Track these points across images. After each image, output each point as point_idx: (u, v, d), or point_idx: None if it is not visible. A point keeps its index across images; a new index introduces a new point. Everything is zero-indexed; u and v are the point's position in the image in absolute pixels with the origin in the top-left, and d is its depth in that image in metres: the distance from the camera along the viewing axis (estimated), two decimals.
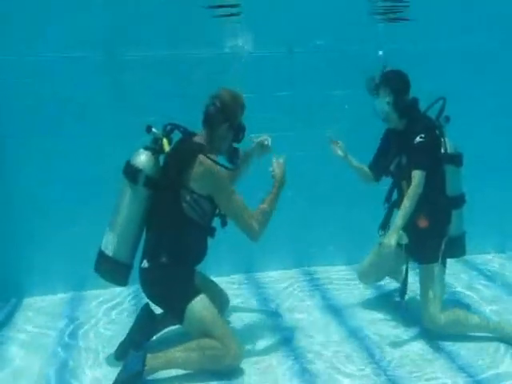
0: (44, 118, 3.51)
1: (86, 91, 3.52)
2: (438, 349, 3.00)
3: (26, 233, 3.61)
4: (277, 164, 2.86)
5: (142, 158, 2.70)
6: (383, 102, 3.07)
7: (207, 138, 2.75)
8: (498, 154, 4.17)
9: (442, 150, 3.04)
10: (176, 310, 2.69)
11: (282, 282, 3.94)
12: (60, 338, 3.15)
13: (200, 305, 2.66)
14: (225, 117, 2.71)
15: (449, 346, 3.02)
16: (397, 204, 3.18)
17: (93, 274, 3.60)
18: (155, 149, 2.72)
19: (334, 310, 3.50)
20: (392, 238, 2.87)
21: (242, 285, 3.88)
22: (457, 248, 3.22)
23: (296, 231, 4.03)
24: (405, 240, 2.93)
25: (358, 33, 3.73)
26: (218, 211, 2.77)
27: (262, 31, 3.60)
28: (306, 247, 4.13)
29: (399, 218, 2.92)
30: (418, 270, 3.18)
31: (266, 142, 3.03)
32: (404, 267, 3.15)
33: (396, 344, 3.06)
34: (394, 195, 3.29)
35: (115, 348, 2.88)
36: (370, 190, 3.62)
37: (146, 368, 2.53)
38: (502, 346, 3.00)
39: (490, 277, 4.00)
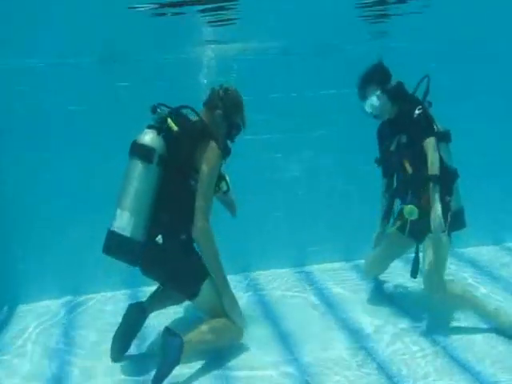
0: (37, 125, 3.51)
1: (80, 98, 3.54)
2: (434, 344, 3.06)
3: (19, 239, 3.63)
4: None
5: (152, 138, 2.70)
6: (373, 99, 3.13)
7: (204, 121, 2.81)
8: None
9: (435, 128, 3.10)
10: (190, 287, 2.80)
11: (278, 280, 3.99)
12: (56, 342, 3.17)
13: (211, 283, 2.80)
14: (221, 103, 2.83)
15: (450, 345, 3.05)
16: (398, 193, 3.24)
17: (87, 279, 3.74)
18: (161, 128, 2.73)
19: (330, 305, 3.55)
20: (436, 210, 2.90)
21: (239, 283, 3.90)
22: (456, 221, 3.23)
23: (292, 230, 4.07)
24: (415, 215, 3.03)
25: (352, 33, 3.80)
26: (222, 188, 2.89)
27: (257, 33, 3.64)
28: (302, 246, 4.18)
29: (433, 190, 2.92)
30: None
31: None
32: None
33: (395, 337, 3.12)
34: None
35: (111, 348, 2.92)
36: (364, 189, 3.71)
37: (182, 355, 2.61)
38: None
39: (482, 268, 4.06)
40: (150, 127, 2.75)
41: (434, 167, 2.93)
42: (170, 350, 2.59)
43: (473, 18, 3.71)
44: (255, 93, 3.57)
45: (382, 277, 3.83)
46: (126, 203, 2.65)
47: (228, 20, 3.42)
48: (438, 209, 2.91)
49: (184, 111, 2.84)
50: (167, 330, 2.69)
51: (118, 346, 2.90)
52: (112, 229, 2.66)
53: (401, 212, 3.20)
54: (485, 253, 4.35)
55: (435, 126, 3.08)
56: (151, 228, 2.70)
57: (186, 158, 2.70)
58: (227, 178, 2.95)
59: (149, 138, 2.69)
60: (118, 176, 3.55)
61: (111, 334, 2.96)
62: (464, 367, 2.80)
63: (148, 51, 3.66)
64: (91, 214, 3.61)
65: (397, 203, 3.29)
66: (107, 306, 3.64)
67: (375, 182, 3.41)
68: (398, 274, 3.89)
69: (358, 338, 3.12)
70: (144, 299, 3.10)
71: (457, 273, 3.93)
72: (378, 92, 3.12)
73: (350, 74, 3.21)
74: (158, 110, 2.76)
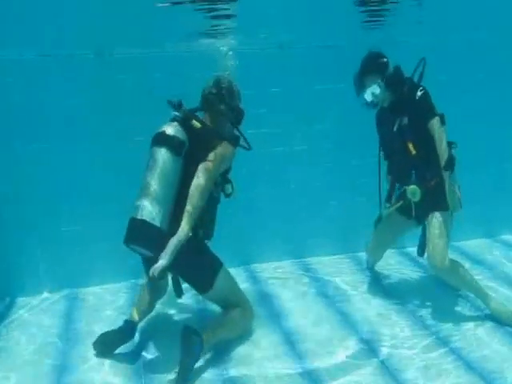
0: (29, 119, 3.48)
1: (74, 90, 3.51)
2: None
3: (18, 232, 3.61)
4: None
5: (178, 130, 2.73)
6: (375, 87, 3.15)
7: (210, 122, 2.84)
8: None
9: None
10: (205, 280, 2.88)
11: (277, 272, 4.02)
12: (54, 336, 3.18)
13: (225, 275, 2.95)
14: (221, 98, 2.83)
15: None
16: (401, 178, 3.29)
17: (85, 272, 3.74)
18: (183, 123, 2.77)
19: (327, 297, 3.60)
20: (454, 193, 3.09)
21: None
22: None
23: (289, 224, 4.10)
24: (418, 197, 3.11)
25: (348, 28, 3.77)
26: (226, 191, 2.91)
27: (254, 27, 3.61)
28: (299, 239, 4.21)
29: (443, 164, 3.02)
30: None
31: None
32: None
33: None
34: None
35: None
36: (360, 183, 3.74)
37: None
38: None
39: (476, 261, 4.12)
40: (173, 120, 2.79)
41: (443, 148, 3.03)
42: (190, 348, 2.65)
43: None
44: (253, 87, 3.65)
45: (382, 269, 3.91)
46: (152, 192, 2.63)
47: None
48: (456, 191, 3.11)
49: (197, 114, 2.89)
50: (187, 328, 2.71)
51: (100, 348, 2.93)
52: (139, 217, 2.60)
53: (403, 193, 3.26)
54: (475, 246, 4.41)
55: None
56: (174, 219, 2.67)
57: (205, 155, 2.73)
58: (233, 184, 2.94)
59: (177, 130, 2.72)
60: (116, 169, 3.61)
61: (111, 328, 2.99)
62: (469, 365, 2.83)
63: (142, 44, 3.64)
64: (91, 206, 3.65)
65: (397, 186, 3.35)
66: (107, 299, 3.64)
67: (371, 174, 3.41)
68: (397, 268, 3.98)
69: (359, 332, 3.14)
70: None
71: None
72: (379, 80, 3.14)
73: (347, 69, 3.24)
74: (183, 107, 2.79)
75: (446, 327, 3.17)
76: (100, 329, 3.12)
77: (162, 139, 2.71)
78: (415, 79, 3.17)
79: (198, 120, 2.77)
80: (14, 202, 3.58)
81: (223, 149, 2.78)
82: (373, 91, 3.16)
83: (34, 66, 3.45)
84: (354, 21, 3.70)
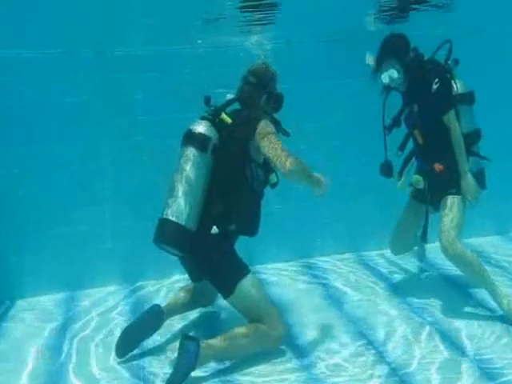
0: (26, 119, 3.44)
1: (72, 89, 3.47)
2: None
3: (16, 234, 3.59)
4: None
5: (206, 127, 2.69)
6: (393, 72, 3.08)
7: (249, 112, 2.77)
8: None
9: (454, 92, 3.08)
10: (227, 284, 2.69)
11: (280, 273, 3.98)
12: (54, 338, 3.15)
13: (251, 281, 2.71)
14: (261, 88, 2.78)
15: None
16: (415, 152, 3.25)
17: (85, 274, 3.72)
18: (213, 120, 2.72)
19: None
20: (467, 181, 3.05)
21: None
22: (477, 182, 3.23)
23: (295, 223, 4.05)
24: (421, 185, 3.12)
25: (355, 22, 3.73)
26: (271, 180, 2.81)
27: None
28: (304, 239, 4.15)
29: (460, 162, 3.04)
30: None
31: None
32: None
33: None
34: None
35: (114, 345, 2.86)
36: (364, 182, 3.68)
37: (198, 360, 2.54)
38: None
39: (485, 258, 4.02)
40: (203, 118, 2.74)
41: (458, 138, 3.01)
42: (185, 354, 2.53)
43: None
44: None
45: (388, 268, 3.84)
46: (179, 191, 2.62)
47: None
48: (469, 180, 3.06)
49: (234, 106, 2.84)
50: (185, 334, 2.64)
51: (123, 343, 2.83)
52: (165, 217, 2.61)
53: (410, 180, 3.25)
54: (486, 243, 4.33)
55: (456, 88, 3.06)
56: (202, 218, 2.66)
57: (241, 147, 2.68)
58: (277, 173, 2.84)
59: (203, 127, 2.68)
60: (114, 169, 3.60)
61: (109, 330, 2.97)
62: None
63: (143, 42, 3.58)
64: (88, 207, 3.62)
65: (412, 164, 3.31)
66: (107, 301, 3.60)
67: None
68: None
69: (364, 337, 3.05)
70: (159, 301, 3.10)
71: None
72: (398, 66, 3.07)
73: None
74: (211, 102, 2.75)
75: (453, 328, 3.08)
76: (98, 332, 3.11)
77: (187, 137, 2.70)
78: (437, 61, 3.09)
79: (228, 114, 2.71)
80: (10, 203, 3.55)
81: (266, 127, 2.65)
82: (390, 75, 3.09)
83: (31, 65, 3.40)
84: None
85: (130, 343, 2.83)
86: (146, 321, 2.87)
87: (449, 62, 3.10)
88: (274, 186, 2.85)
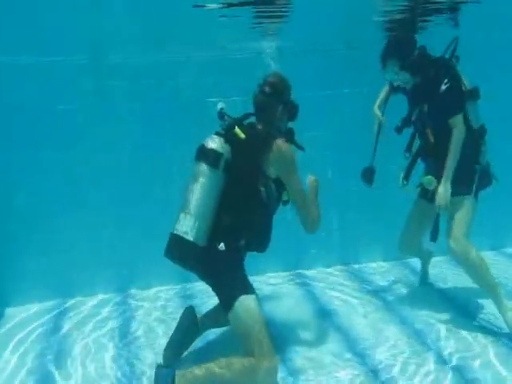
0: (21, 125, 3.42)
1: (67, 96, 3.46)
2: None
3: (6, 242, 3.55)
4: (310, 181, 2.91)
5: (218, 143, 2.69)
6: (392, 72, 3.11)
7: (266, 125, 2.77)
8: None
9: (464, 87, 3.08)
10: (230, 295, 2.63)
11: (275, 283, 3.94)
12: (45, 347, 3.11)
13: (253, 301, 2.62)
14: (277, 99, 2.76)
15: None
16: (421, 153, 3.22)
17: (75, 282, 3.68)
18: (227, 135, 2.72)
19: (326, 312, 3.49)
20: (447, 188, 2.98)
21: None
22: (482, 179, 3.21)
23: (289, 234, 3.98)
24: (433, 185, 3.06)
25: (349, 33, 3.75)
26: (283, 197, 2.80)
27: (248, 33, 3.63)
28: (298, 250, 4.10)
29: (448, 168, 2.99)
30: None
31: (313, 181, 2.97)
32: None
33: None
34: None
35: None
36: (361, 192, 3.65)
37: None
38: None
39: None
40: (217, 134, 2.74)
41: (455, 150, 2.97)
42: (160, 380, 2.47)
43: None
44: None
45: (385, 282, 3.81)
46: (189, 207, 2.63)
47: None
48: (448, 188, 2.99)
49: (249, 119, 2.82)
50: (159, 364, 2.62)
51: (169, 352, 2.83)
52: (174, 232, 2.64)
53: (421, 181, 3.21)
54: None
55: (463, 85, 3.06)
56: (213, 233, 2.66)
57: (254, 163, 2.67)
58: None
59: (215, 143, 2.69)
60: (108, 177, 3.57)
61: (99, 339, 2.97)
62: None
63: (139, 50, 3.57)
64: (81, 215, 3.58)
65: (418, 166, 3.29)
66: (100, 310, 3.56)
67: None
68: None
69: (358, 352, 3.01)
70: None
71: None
72: (398, 67, 3.08)
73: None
74: (226, 116, 2.75)
75: (451, 341, 3.06)
76: (88, 341, 3.07)
77: (199, 153, 2.71)
78: (443, 57, 3.10)
79: (242, 129, 2.70)
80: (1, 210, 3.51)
81: (286, 157, 2.67)
82: (392, 75, 3.12)
83: (27, 71, 3.39)
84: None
85: (173, 353, 2.84)
86: (183, 328, 2.88)
87: (453, 59, 3.10)
88: (286, 204, 2.83)
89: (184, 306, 3.04)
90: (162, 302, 3.67)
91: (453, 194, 3.09)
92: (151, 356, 2.97)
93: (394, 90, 3.32)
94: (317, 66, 3.79)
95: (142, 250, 3.69)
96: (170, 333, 2.93)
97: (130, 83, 3.55)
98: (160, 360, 2.84)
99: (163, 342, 2.97)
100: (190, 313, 2.95)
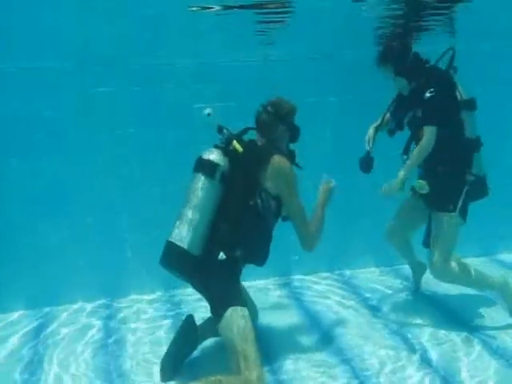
0: (7, 133, 3.39)
1: (54, 103, 3.44)
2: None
3: None
4: (323, 188, 2.94)
5: (216, 155, 2.73)
6: (387, 77, 3.15)
7: (266, 143, 2.83)
8: None
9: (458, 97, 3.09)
10: (221, 304, 2.64)
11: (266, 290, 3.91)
12: (24, 355, 3.08)
13: (243, 314, 2.61)
14: (280, 119, 2.81)
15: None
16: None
17: (54, 290, 3.63)
18: (226, 148, 2.76)
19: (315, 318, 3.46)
20: (395, 184, 3.01)
21: None
22: (477, 190, 3.22)
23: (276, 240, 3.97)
24: (426, 190, 3.07)
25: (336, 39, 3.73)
26: (283, 213, 2.83)
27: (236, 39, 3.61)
28: (285, 256, 4.02)
29: (405, 167, 3.04)
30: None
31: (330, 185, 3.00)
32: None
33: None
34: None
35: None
36: (352, 200, 3.64)
37: None
38: None
39: None
40: (216, 147, 2.78)
41: (416, 158, 3.01)
42: None
43: None
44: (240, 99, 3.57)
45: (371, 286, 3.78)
46: (186, 216, 2.67)
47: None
48: (395, 183, 3.00)
49: (249, 134, 2.87)
50: None
51: (168, 362, 2.80)
52: (170, 239, 2.67)
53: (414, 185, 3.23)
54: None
55: (458, 95, 3.08)
56: (209, 243, 2.68)
57: (250, 176, 2.72)
58: None
59: (213, 155, 2.73)
60: (91, 184, 3.55)
61: (78, 348, 2.93)
62: None
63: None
64: (62, 222, 3.56)
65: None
66: (80, 318, 3.52)
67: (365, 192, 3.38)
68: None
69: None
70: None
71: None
72: (389, 73, 3.11)
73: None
74: (224, 130, 2.78)
75: (438, 349, 3.06)
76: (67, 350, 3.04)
77: (197, 164, 2.76)
78: (440, 67, 3.12)
79: (241, 143, 2.74)
80: None
81: (278, 168, 2.72)
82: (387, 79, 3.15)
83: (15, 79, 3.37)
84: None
85: (171, 366, 2.81)
86: (181, 339, 2.86)
87: (450, 70, 3.12)
88: (286, 220, 2.86)
89: (169, 314, 3.01)
90: (145, 310, 3.63)
91: (438, 210, 3.11)
92: (129, 365, 2.94)
93: (394, 124, 3.31)
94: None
95: (127, 257, 3.69)
96: (154, 341, 2.94)
97: (118, 89, 3.53)
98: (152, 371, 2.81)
99: (146, 350, 2.95)
100: (190, 321, 2.93)
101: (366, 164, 3.28)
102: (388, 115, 3.35)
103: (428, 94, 2.98)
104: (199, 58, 3.62)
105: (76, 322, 3.46)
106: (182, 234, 2.63)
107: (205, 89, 3.56)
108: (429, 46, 3.34)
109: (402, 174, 3.03)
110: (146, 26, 3.45)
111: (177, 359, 2.85)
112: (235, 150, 2.73)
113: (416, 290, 3.82)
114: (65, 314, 3.56)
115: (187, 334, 2.90)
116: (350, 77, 3.70)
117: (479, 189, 3.20)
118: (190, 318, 2.94)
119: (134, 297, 3.79)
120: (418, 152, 3.03)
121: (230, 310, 2.59)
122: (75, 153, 3.51)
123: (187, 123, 3.55)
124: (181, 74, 3.60)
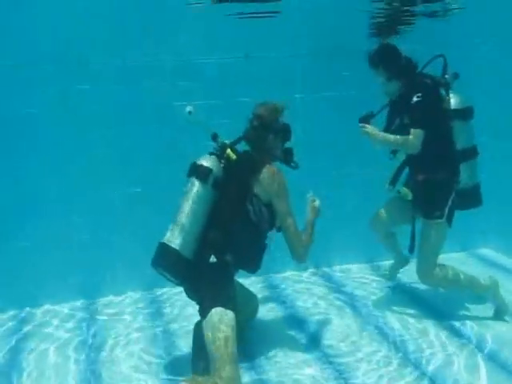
0: None
1: (35, 103, 3.40)
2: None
3: None
4: (311, 207, 2.97)
5: (210, 161, 2.79)
6: (379, 81, 3.15)
7: (260, 153, 2.87)
8: None
9: (447, 106, 3.10)
10: (207, 302, 2.65)
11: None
12: (9, 357, 3.05)
13: (228, 317, 2.61)
14: (266, 130, 2.85)
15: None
16: (408, 162, 3.25)
17: (41, 291, 3.60)
18: (220, 155, 2.82)
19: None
20: (370, 130, 3.05)
21: None
22: (470, 199, 3.25)
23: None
24: (409, 196, 3.16)
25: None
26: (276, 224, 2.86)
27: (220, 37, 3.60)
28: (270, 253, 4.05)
29: (380, 133, 3.08)
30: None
31: (315, 204, 3.02)
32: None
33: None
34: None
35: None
36: (336, 197, 3.69)
37: None
38: None
39: None
40: (211, 154, 2.84)
41: (392, 141, 3.07)
42: None
43: None
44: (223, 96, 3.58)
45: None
46: (179, 219, 2.72)
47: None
48: (371, 131, 3.07)
49: (242, 144, 2.91)
50: None
51: (197, 365, 2.77)
52: (163, 241, 2.70)
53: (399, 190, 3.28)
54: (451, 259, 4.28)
55: (450, 103, 3.09)
56: (200, 247, 2.72)
57: (243, 183, 2.78)
58: None
59: (207, 161, 2.79)
60: (75, 183, 3.51)
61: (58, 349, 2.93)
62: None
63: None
64: (44, 221, 3.51)
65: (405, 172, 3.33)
66: (63, 319, 3.49)
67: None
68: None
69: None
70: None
71: None
72: (381, 78, 3.13)
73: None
74: (219, 138, 2.83)
75: (422, 344, 3.08)
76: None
77: (191, 169, 2.81)
78: (433, 75, 3.12)
79: (234, 151, 2.80)
80: None
81: (269, 178, 2.76)
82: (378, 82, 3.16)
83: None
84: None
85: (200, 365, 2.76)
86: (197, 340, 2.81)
87: (446, 77, 3.13)
88: (279, 230, 2.88)
89: (156, 313, 2.99)
90: (131, 310, 3.60)
91: (425, 217, 3.13)
92: (115, 367, 2.92)
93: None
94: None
95: (113, 256, 3.66)
96: (132, 342, 2.96)
97: (97, 87, 3.49)
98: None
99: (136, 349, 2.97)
100: (198, 324, 2.86)
101: (366, 116, 3.25)
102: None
103: (415, 99, 3.00)
104: (181, 56, 3.60)
105: (55, 323, 3.42)
106: (175, 237, 2.68)
107: (187, 86, 3.54)
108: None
109: (373, 131, 3.05)
110: (127, 23, 3.43)
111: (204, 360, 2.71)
112: (229, 157, 2.79)
113: (391, 278, 3.84)
114: (42, 315, 3.53)
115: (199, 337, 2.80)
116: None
117: (472, 198, 3.24)
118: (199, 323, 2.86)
119: (112, 298, 3.77)
120: (400, 139, 3.03)
121: (213, 311, 2.60)
122: (58, 152, 3.48)
123: (169, 121, 3.53)
124: (162, 71, 3.58)
